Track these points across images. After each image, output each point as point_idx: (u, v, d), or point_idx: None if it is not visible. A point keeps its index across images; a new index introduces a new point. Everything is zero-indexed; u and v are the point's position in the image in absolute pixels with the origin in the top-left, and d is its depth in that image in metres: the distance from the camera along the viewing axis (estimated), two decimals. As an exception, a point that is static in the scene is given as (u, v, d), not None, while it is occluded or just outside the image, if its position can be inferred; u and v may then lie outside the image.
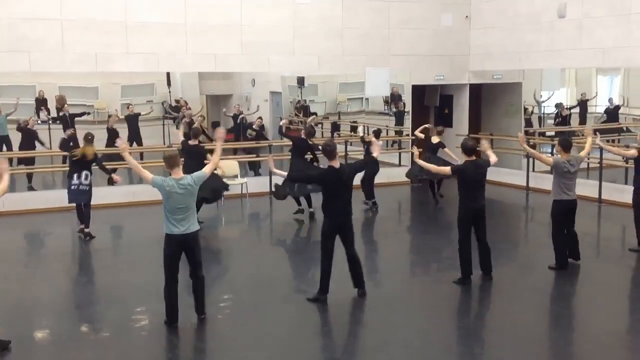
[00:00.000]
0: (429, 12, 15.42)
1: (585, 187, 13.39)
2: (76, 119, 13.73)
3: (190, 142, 11.00)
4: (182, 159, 10.75)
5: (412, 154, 10.05)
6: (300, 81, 16.35)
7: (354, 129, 16.75)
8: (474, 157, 8.20)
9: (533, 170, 14.64)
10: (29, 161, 13.21)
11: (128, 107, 15.01)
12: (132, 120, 14.94)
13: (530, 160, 14.58)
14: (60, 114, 13.92)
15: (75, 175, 10.20)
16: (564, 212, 8.87)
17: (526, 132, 15.56)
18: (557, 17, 13.83)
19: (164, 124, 15.50)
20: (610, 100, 15.24)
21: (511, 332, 6.98)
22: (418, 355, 6.45)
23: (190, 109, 15.60)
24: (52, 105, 14.36)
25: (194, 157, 10.54)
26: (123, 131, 14.37)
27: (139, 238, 11.15)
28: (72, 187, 10.24)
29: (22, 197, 12.54)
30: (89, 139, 10.34)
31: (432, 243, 10.70)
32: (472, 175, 8.12)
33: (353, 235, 7.80)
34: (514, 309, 7.63)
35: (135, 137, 14.73)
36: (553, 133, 16.08)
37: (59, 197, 11.80)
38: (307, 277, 9.13)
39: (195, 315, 7.28)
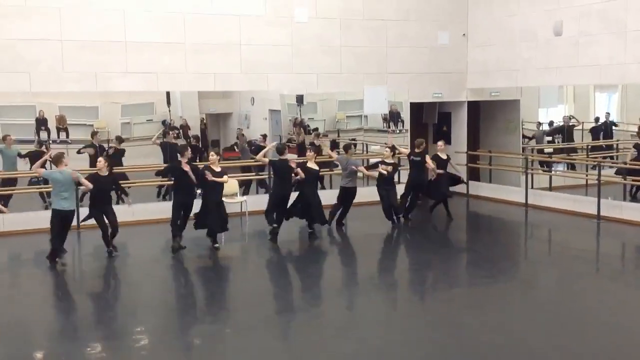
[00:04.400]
0: (426, 31, 15.52)
1: (584, 204, 13.44)
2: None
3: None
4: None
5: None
6: (299, 99, 16.39)
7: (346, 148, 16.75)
8: (284, 157, 11.55)
9: (532, 187, 14.66)
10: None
11: (167, 134, 14.59)
12: (170, 151, 14.34)
13: (529, 177, 14.61)
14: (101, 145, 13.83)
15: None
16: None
17: (524, 149, 15.64)
18: (554, 35, 13.92)
19: (163, 143, 15.47)
20: (607, 115, 15.36)
21: (511, 349, 6.96)
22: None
23: (190, 128, 15.58)
24: (52, 125, 14.37)
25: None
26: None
27: (135, 257, 11.14)
28: None
29: (23, 217, 12.58)
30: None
31: (428, 260, 10.70)
32: (281, 169, 11.49)
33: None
34: (513, 325, 7.61)
35: None
36: (551, 150, 16.16)
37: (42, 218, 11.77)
38: (307, 295, 9.12)
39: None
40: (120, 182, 11.53)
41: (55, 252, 10.29)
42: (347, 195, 12.59)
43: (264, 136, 15.73)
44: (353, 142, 14.85)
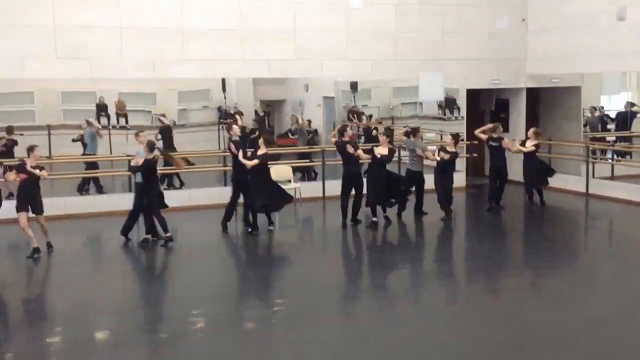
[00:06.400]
0: (484, 16, 15.20)
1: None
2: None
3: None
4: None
5: None
6: (354, 86, 16.32)
7: (407, 134, 16.61)
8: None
9: (593, 176, 14.26)
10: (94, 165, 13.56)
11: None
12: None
13: (590, 165, 14.23)
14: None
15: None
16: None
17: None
18: (617, 19, 13.46)
19: (219, 129, 15.66)
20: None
21: (565, 342, 6.80)
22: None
23: (242, 114, 15.69)
24: (112, 111, 14.71)
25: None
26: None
27: (196, 241, 11.30)
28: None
29: (86, 201, 12.96)
30: None
31: (485, 250, 10.53)
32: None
33: None
34: (572, 318, 7.43)
35: None
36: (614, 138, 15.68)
37: (122, 200, 12.09)
38: (359, 282, 9.10)
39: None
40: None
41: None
42: (411, 179, 12.31)
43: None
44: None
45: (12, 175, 9.92)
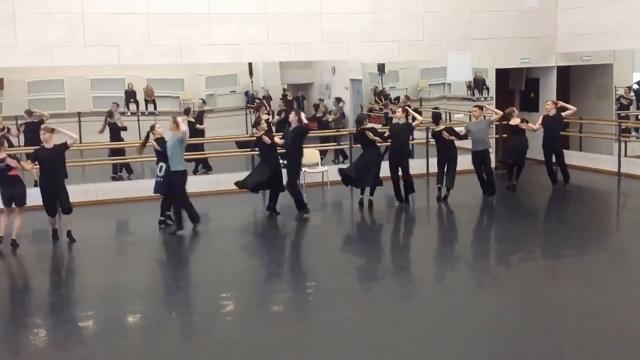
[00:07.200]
0: (513, -7, 14.98)
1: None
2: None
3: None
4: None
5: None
6: (381, 68, 16.21)
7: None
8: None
9: (625, 155, 14.01)
10: (119, 152, 13.67)
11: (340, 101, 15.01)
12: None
13: (622, 145, 13.96)
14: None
15: (158, 167, 10.62)
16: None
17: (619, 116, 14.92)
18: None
19: (246, 114, 15.72)
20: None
21: (598, 324, 6.72)
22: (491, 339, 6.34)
23: (271, 98, 15.72)
24: (140, 97, 14.84)
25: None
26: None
27: (223, 226, 11.39)
28: (156, 178, 10.68)
29: (112, 187, 13.12)
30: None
31: (513, 230, 10.44)
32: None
33: None
34: (601, 299, 7.33)
35: None
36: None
37: (147, 187, 12.18)
38: (390, 265, 9.09)
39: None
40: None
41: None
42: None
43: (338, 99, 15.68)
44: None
45: (28, 165, 9.96)
